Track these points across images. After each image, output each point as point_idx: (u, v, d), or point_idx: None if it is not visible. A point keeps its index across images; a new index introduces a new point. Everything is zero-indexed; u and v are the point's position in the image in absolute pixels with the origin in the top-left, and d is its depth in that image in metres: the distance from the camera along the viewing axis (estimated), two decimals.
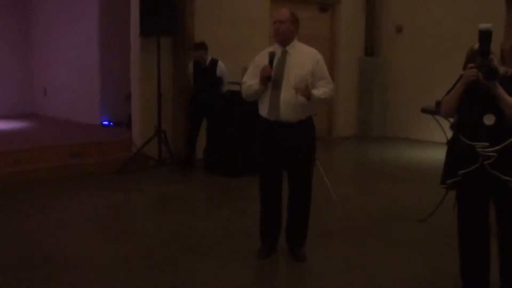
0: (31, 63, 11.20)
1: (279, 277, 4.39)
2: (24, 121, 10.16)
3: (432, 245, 4.85)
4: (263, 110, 4.35)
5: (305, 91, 4.13)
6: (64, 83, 10.34)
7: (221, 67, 7.69)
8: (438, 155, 4.01)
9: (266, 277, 4.34)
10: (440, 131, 5.45)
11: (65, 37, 10.26)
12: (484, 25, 3.38)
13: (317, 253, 4.56)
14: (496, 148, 3.40)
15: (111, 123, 9.63)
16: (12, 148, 7.44)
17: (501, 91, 3.34)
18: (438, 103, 4.44)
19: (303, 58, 4.31)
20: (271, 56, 4.26)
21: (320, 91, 4.26)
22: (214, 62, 7.69)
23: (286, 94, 4.22)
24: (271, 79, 4.24)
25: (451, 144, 3.71)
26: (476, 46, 3.50)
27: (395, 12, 10.51)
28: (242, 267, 4.38)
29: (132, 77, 8.16)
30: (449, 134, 3.87)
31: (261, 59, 4.35)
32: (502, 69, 3.46)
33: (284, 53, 4.33)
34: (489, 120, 3.43)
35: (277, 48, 4.36)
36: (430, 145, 9.05)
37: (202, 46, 7.60)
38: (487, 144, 3.42)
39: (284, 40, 4.33)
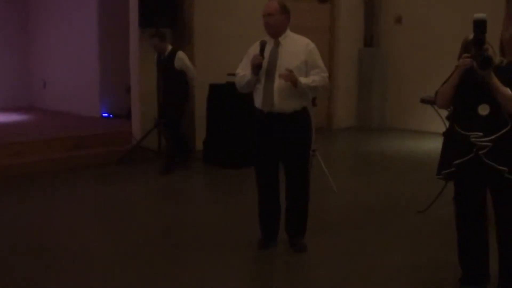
0: (30, 55, 11.18)
1: (279, 268, 4.41)
2: (23, 113, 10.16)
3: (431, 236, 4.86)
4: (258, 101, 4.35)
5: (288, 76, 4.11)
6: (64, 75, 10.33)
7: (180, 58, 6.80)
8: (438, 146, 4.00)
9: (266, 267, 4.35)
10: (440, 121, 5.45)
11: (64, 29, 10.24)
12: (478, 15, 3.37)
13: (317, 244, 4.57)
14: (491, 137, 3.41)
15: (111, 115, 9.63)
16: (12, 141, 7.44)
17: (496, 81, 3.34)
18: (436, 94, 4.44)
19: (296, 48, 4.30)
20: (262, 45, 4.25)
21: (309, 79, 4.24)
22: (172, 53, 6.84)
23: (279, 84, 4.21)
24: (261, 68, 4.22)
25: (447, 135, 3.71)
26: (471, 36, 3.50)
27: (394, 2, 10.46)
28: (242, 257, 4.40)
29: (131, 69, 8.15)
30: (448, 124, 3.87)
31: (255, 49, 4.33)
32: (497, 59, 3.47)
33: (277, 44, 4.32)
34: (483, 110, 3.43)
35: (270, 39, 4.34)
36: (429, 136, 9.03)
37: (157, 34, 6.88)
38: (481, 134, 3.42)
39: (275, 33, 4.31)
